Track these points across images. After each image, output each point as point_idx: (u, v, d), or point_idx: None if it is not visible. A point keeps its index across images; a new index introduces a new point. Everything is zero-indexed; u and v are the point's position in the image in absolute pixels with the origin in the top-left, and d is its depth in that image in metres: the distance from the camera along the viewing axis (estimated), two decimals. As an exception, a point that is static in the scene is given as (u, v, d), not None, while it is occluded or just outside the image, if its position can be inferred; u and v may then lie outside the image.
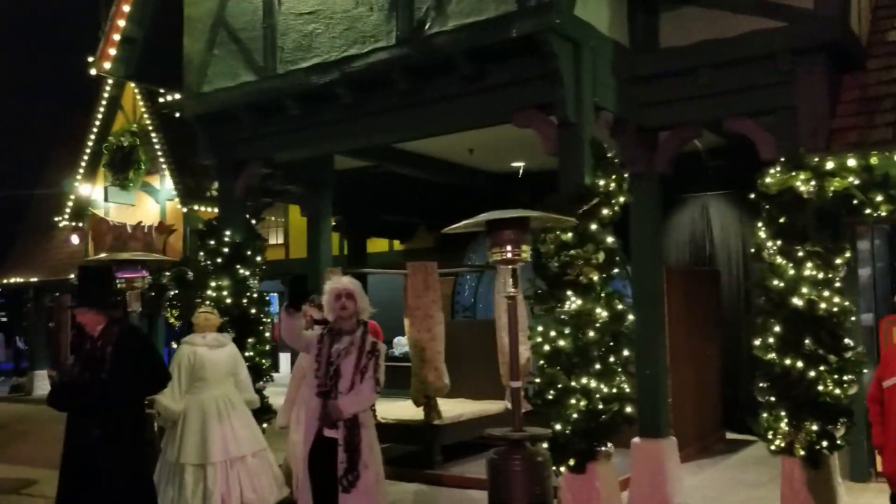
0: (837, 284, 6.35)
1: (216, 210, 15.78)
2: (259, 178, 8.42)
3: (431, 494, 7.58)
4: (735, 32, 6.65)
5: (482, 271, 10.51)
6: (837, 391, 6.16)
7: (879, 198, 6.04)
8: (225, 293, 8.19)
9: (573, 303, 6.00)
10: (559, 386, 5.92)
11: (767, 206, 6.43)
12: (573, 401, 5.89)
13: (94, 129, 17.14)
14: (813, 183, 6.21)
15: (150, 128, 16.04)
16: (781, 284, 6.29)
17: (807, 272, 6.26)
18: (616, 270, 6.13)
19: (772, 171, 6.36)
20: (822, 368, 6.15)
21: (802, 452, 6.18)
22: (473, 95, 6.73)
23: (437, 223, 13.84)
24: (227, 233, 8.31)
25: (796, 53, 6.45)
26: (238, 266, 8.25)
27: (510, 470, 4.82)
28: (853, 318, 6.36)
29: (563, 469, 6.02)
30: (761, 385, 6.45)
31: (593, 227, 6.01)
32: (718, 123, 6.99)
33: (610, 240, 6.14)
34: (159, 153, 15.97)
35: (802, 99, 6.49)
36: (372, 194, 11.96)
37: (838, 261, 6.33)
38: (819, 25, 6.39)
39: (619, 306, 6.05)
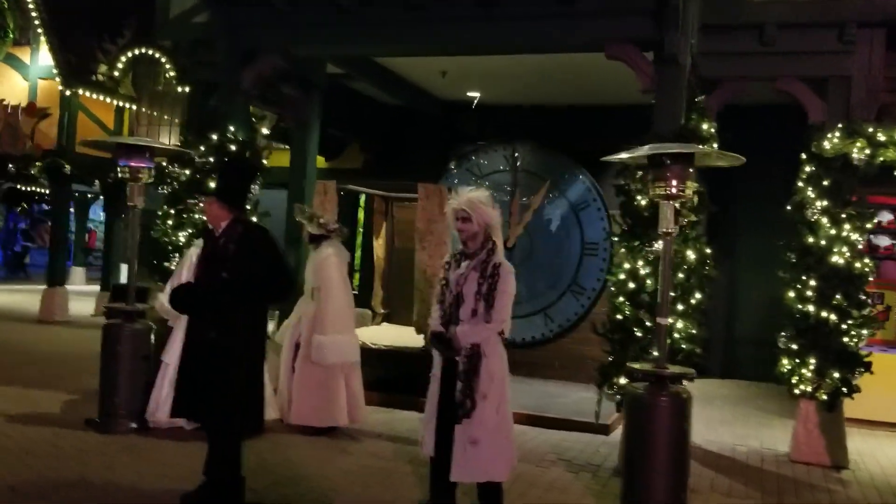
0: (860, 247, 6.92)
1: (104, 97, 14.29)
2: (272, 70, 7.59)
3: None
4: (805, -4, 6.89)
5: (449, 199, 10.24)
6: (853, 343, 6.78)
7: (927, 171, 6.61)
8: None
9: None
10: (646, 324, 6.01)
11: (814, 168, 6.83)
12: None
13: (-55, -18, 14.52)
14: (867, 151, 6.66)
15: (23, -11, 13.87)
16: (823, 242, 6.75)
17: (844, 232, 6.76)
18: (702, 215, 6.26)
19: (829, 135, 6.75)
20: (849, 322, 6.73)
21: (825, 397, 6.76)
22: (563, 18, 6.47)
23: (372, 143, 13.34)
24: (231, 128, 7.46)
25: (862, 25, 6.81)
26: (243, 168, 7.44)
27: (657, 406, 4.84)
28: (870, 279, 6.98)
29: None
30: (788, 334, 6.94)
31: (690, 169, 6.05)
32: (771, 82, 7.22)
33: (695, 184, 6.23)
34: (35, 22, 13.87)
35: (859, 70, 6.89)
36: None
37: (868, 225, 6.90)
38: (885, 4, 6.77)
39: (707, 250, 6.20)
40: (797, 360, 6.85)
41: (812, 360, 6.74)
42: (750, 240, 11.21)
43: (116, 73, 14.69)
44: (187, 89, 9.42)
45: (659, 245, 6.10)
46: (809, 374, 6.79)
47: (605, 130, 11.48)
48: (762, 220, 10.27)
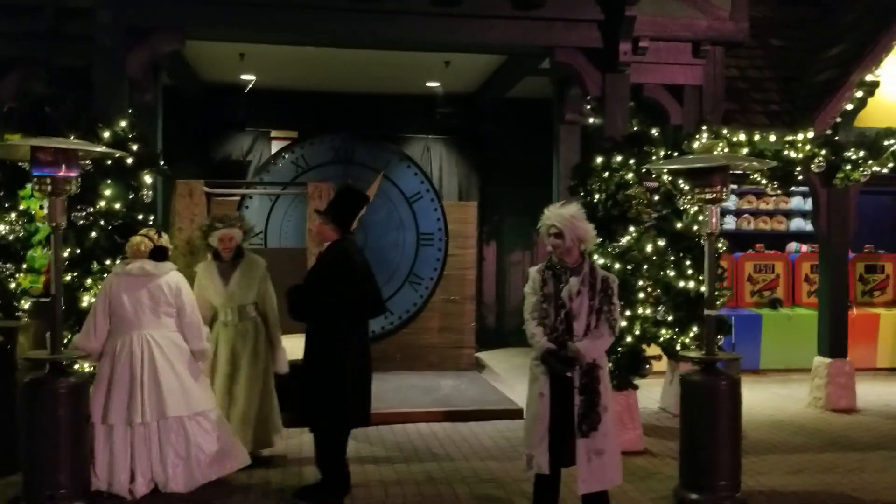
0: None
1: None
2: (165, 54, 6.31)
3: (378, 434, 7.11)
4: (672, 14, 7.89)
5: (277, 196, 9.41)
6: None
7: (771, 167, 8.08)
8: (118, 206, 6.04)
9: (630, 238, 6.62)
10: (626, 313, 6.52)
11: (685, 164, 7.97)
12: (635, 329, 6.58)
13: None
14: (726, 150, 7.97)
15: None
16: (696, 226, 7.95)
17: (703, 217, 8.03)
18: (655, 214, 6.93)
19: (696, 136, 7.93)
20: (716, 293, 8.04)
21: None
22: (520, 21, 6.57)
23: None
24: (123, 124, 6.06)
25: (714, 43, 8.06)
26: (145, 172, 6.12)
27: (718, 389, 5.39)
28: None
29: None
30: (664, 308, 8.03)
31: (644, 170, 6.68)
32: (638, 88, 8.12)
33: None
34: None
35: (707, 81, 8.15)
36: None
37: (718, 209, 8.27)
38: (728, 25, 8.09)
39: (661, 243, 6.89)
40: (677, 330, 7.97)
41: (694, 328, 7.91)
42: (512, 220, 12.38)
43: None
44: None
45: (625, 240, 6.67)
46: (686, 340, 7.96)
47: (389, 119, 11.71)
48: (519, 204, 11.56)
